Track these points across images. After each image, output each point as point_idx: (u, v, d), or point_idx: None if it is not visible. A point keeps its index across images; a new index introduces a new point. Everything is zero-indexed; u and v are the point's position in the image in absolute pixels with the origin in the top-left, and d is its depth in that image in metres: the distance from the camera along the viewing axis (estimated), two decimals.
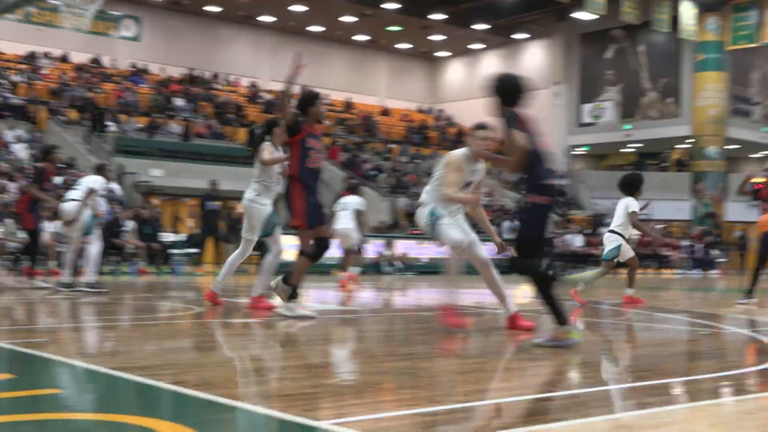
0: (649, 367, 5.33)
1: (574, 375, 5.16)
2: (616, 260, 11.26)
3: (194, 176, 25.35)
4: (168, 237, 21.10)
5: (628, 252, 11.22)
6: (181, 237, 21.73)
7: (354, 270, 14.60)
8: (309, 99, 7.94)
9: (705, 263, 31.22)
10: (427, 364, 5.30)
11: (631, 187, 11.19)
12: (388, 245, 22.95)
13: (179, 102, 32.18)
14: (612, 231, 11.23)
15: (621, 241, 11.11)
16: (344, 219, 13.95)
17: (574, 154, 41.96)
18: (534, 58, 42.69)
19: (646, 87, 39.23)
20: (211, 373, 4.76)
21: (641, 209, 11.34)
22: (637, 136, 39.39)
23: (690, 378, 4.89)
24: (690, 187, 37.49)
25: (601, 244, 11.66)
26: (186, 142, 28.89)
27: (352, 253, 14.51)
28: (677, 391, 4.50)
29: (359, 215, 14.05)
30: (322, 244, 7.83)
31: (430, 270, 22.79)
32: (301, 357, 5.57)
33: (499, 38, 42.04)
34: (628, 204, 11.07)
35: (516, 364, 5.63)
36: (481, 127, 7.18)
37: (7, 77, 29.37)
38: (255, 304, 8.61)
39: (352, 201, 14.20)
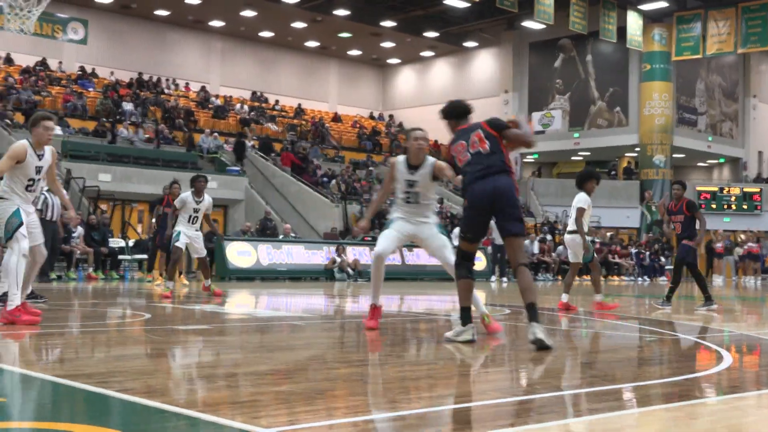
0: (598, 374, 5.37)
1: (524, 381, 5.18)
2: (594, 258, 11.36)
3: (143, 181, 25.09)
4: (117, 243, 20.83)
5: (581, 252, 11.24)
6: (130, 243, 21.47)
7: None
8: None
9: (653, 270, 31.70)
10: (379, 370, 5.29)
11: (581, 182, 11.12)
12: (340, 251, 22.90)
13: (128, 106, 31.80)
14: (574, 231, 11.14)
15: (589, 238, 11.19)
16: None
17: (524, 162, 42.35)
18: (484, 66, 43.04)
19: (594, 96, 39.77)
20: (159, 380, 4.69)
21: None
22: (586, 144, 39.90)
23: (639, 384, 4.93)
24: (638, 195, 38.07)
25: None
26: (134, 146, 28.56)
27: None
28: (627, 396, 4.54)
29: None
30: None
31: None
32: (251, 363, 5.52)
33: (450, 46, 42.34)
34: (578, 199, 11.03)
35: (467, 371, 5.64)
36: (415, 129, 7.77)
37: None
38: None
39: None
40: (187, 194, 12.30)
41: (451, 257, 7.34)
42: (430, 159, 7.54)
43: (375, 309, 7.73)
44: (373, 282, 7.73)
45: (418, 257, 24.71)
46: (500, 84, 41.97)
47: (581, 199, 10.99)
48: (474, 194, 6.63)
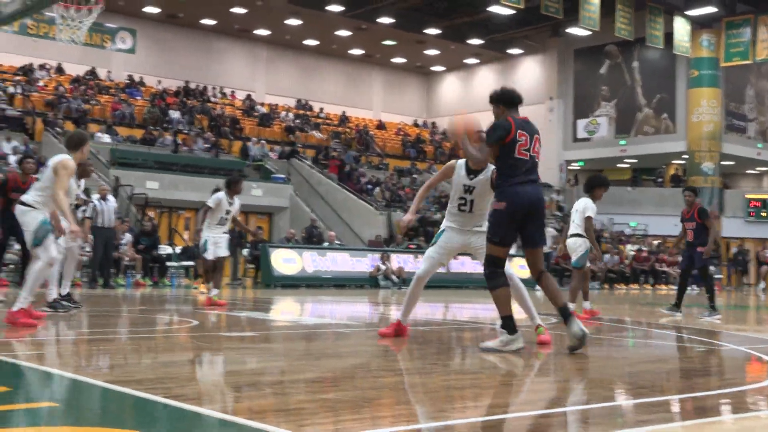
0: (647, 384, 5.31)
1: (572, 391, 5.14)
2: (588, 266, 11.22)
3: (190, 189, 25.34)
4: (164, 249, 21.05)
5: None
6: (177, 250, 21.68)
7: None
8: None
9: (701, 279, 31.16)
10: (425, 379, 5.26)
11: (591, 187, 10.97)
12: (384, 259, 22.91)
13: (175, 114, 32.17)
14: (577, 234, 10.99)
15: (588, 245, 10.94)
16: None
17: (570, 169, 42.03)
18: (528, 74, 42.82)
19: (640, 103, 39.36)
20: (207, 387, 4.74)
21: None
22: (633, 151, 39.48)
23: (688, 395, 4.87)
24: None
25: (598, 259, 11.54)
26: (181, 154, 28.88)
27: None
28: (676, 408, 4.48)
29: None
30: None
31: (426, 285, 22.72)
32: (297, 371, 5.53)
33: (494, 53, 42.21)
34: (585, 206, 10.86)
35: (513, 380, 5.60)
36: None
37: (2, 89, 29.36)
38: None
39: None
40: (222, 195, 12.12)
41: (510, 269, 7.07)
42: (492, 166, 7.17)
43: (400, 326, 7.67)
44: (407, 300, 7.66)
45: (463, 265, 24.59)
46: (545, 91, 41.73)
47: (589, 206, 10.84)
48: (520, 197, 6.49)
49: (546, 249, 25.09)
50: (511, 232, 6.58)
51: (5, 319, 7.78)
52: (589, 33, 34.68)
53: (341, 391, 4.62)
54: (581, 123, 40.89)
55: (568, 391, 5.16)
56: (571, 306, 10.80)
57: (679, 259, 25.74)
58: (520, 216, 6.53)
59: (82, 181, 10.48)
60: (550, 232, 26.54)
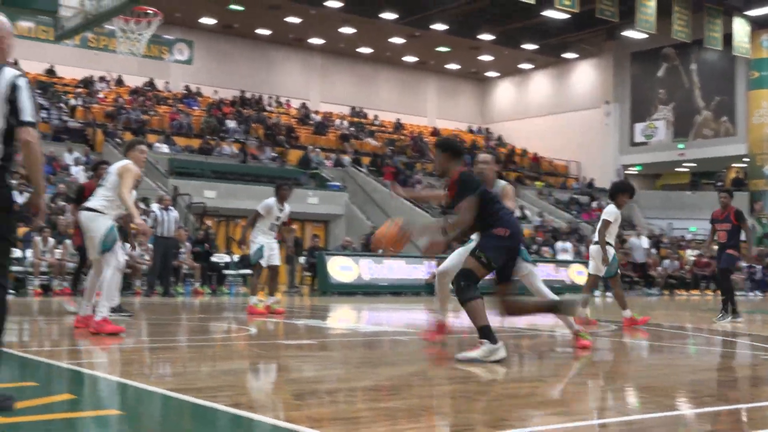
0: (710, 393, 5.21)
1: (632, 400, 5.07)
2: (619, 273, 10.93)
3: (247, 197, 25.57)
4: (222, 258, 21.26)
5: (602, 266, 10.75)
6: (235, 258, 21.89)
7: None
8: None
9: (765, 285, 30.56)
10: (483, 387, 5.22)
11: (614, 193, 10.69)
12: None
13: (231, 124, 32.53)
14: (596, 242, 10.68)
15: (613, 252, 10.65)
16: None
17: (627, 174, 41.50)
18: (584, 78, 42.42)
19: (699, 105, 38.74)
20: (266, 395, 4.78)
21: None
22: (692, 155, 38.85)
23: (753, 405, 4.76)
24: (747, 207, 36.83)
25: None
26: (238, 163, 29.18)
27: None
28: (742, 418, 4.39)
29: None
30: None
31: (484, 291, 22.61)
32: (355, 379, 5.54)
33: (549, 58, 41.90)
34: (605, 211, 10.62)
35: (572, 388, 5.54)
36: (482, 153, 8.09)
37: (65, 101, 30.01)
38: None
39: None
40: (272, 201, 11.99)
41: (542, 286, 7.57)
42: (501, 182, 7.55)
43: (441, 325, 7.80)
44: (440, 298, 7.78)
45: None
46: (601, 95, 41.30)
47: (609, 211, 10.55)
48: (518, 230, 6.70)
49: None
50: (504, 259, 6.62)
51: (90, 329, 7.89)
52: (646, 36, 34.24)
53: (399, 400, 4.60)
54: (638, 127, 40.36)
55: (629, 399, 5.08)
56: (627, 313, 10.71)
57: (743, 265, 24.82)
58: (516, 246, 6.67)
59: (133, 192, 10.57)
60: None
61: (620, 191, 10.58)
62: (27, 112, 4.14)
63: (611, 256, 10.55)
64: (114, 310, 10.47)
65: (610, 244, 10.62)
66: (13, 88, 4.14)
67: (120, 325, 8.30)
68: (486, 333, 6.47)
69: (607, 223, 10.47)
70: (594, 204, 36.03)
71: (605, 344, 8.58)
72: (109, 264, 8.00)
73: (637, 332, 9.81)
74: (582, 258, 27.75)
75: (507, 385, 5.36)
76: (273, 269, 12.25)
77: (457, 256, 7.56)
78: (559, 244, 28.03)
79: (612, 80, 41.13)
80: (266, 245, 11.92)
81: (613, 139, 40.51)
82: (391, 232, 6.73)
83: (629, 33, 35.84)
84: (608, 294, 24.36)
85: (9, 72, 4.19)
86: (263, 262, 11.97)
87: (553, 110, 42.98)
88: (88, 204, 8.23)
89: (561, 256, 26.88)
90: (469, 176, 6.74)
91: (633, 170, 41.62)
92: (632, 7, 29.86)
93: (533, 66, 43.83)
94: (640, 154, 40.21)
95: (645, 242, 27.00)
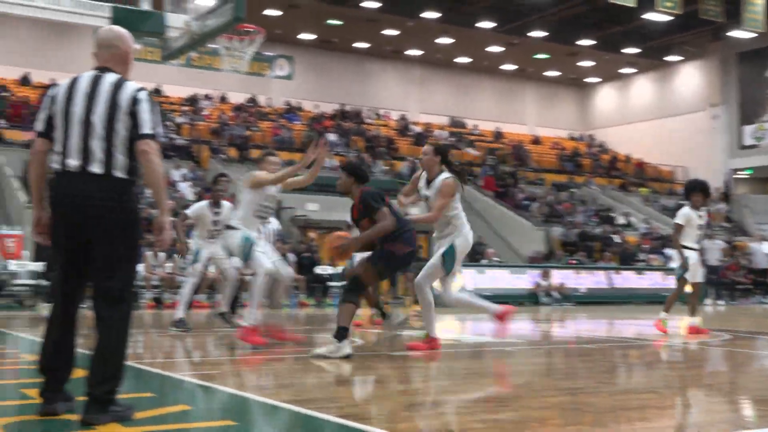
0: None
1: (748, 413, 4.91)
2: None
3: (348, 210, 25.81)
4: (326, 270, 21.50)
5: (696, 271, 10.32)
6: (339, 270, 22.09)
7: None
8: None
9: None
10: (593, 398, 5.13)
11: (686, 194, 10.35)
12: (545, 275, 22.59)
13: (332, 137, 32.92)
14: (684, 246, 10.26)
15: (690, 255, 10.18)
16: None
17: (737, 178, 40.24)
18: (688, 81, 41.34)
19: None
20: (376, 406, 4.80)
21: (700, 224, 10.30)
22: None
23: None
24: None
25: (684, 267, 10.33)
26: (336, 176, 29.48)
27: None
28: None
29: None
30: None
31: (588, 300, 22.31)
32: (462, 391, 5.52)
33: (651, 61, 41.01)
34: (678, 214, 10.25)
35: (683, 400, 5.41)
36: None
37: (171, 119, 30.91)
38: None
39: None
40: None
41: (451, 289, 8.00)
42: (443, 175, 7.76)
43: (433, 341, 7.94)
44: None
45: (627, 280, 23.99)
46: (707, 98, 40.17)
47: (680, 214, 10.20)
48: (413, 242, 7.47)
49: (715, 262, 24.12)
50: (393, 272, 8.13)
51: (239, 336, 8.11)
52: (754, 35, 33.19)
53: (509, 411, 4.57)
54: (748, 129, 39.08)
55: (745, 412, 4.93)
56: (663, 315, 10.31)
57: None
58: (410, 261, 7.71)
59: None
60: (718, 244, 25.47)
61: (693, 191, 10.26)
62: (146, 125, 4.21)
63: (693, 260, 10.19)
64: (222, 315, 10.81)
65: (688, 248, 10.25)
66: (134, 101, 4.21)
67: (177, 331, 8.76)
68: (341, 334, 7.02)
69: (678, 227, 10.17)
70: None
71: (717, 354, 8.34)
72: (256, 272, 8.18)
73: (750, 342, 9.48)
74: None
75: (616, 397, 5.25)
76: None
77: (429, 267, 8.03)
78: (668, 252, 27.37)
79: (718, 82, 39.96)
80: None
81: (721, 142, 39.35)
82: (333, 244, 7.41)
83: (735, 33, 34.80)
84: (719, 302, 23.66)
85: (131, 86, 4.27)
86: None
87: (657, 114, 41.98)
88: (230, 223, 8.55)
89: (670, 264, 26.23)
90: (370, 193, 7.33)
91: (743, 174, 40.32)
92: (738, 6, 29.01)
93: (635, 70, 42.95)
94: (751, 157, 38.90)
95: (766, 247, 26.09)
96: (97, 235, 4.14)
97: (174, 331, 10.05)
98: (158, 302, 17.69)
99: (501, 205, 29.87)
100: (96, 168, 4.15)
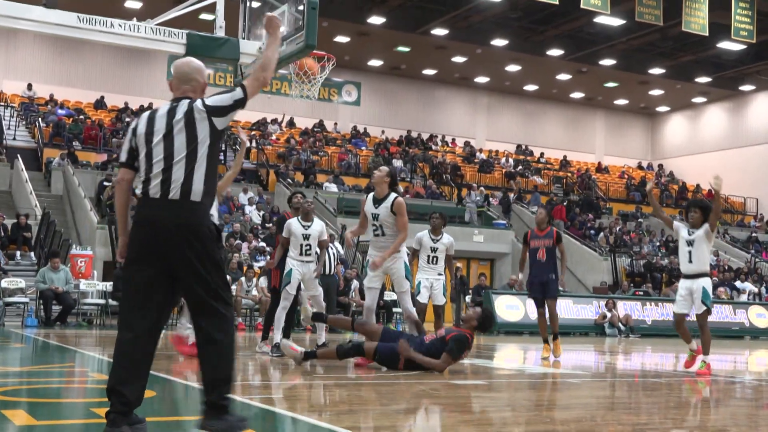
0: None
1: None
2: None
3: (412, 236, 25.79)
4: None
5: None
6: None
7: None
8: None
9: None
10: None
11: None
12: (610, 306, 22.25)
13: (398, 163, 33.01)
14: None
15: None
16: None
17: None
18: (762, 110, 40.53)
19: None
20: None
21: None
22: None
23: None
24: None
25: None
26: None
27: None
28: None
29: None
30: None
31: (654, 333, 21.88)
32: (524, 423, 5.47)
33: (724, 91, 40.31)
34: None
35: None
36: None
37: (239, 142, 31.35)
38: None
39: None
40: (423, 234, 11.29)
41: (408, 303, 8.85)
42: (392, 195, 8.58)
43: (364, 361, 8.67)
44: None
45: (694, 313, 23.43)
46: None
47: None
48: None
49: None
50: None
51: (171, 340, 8.71)
52: None
53: None
54: None
55: None
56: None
57: None
58: None
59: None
60: None
61: None
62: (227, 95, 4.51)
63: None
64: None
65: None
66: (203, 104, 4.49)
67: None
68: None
69: None
70: None
71: None
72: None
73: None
74: (762, 300, 26.38)
75: None
76: (437, 309, 11.34)
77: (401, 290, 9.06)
78: (738, 285, 26.81)
79: None
80: (424, 281, 11.08)
81: None
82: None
83: None
84: None
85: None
86: (421, 299, 10.96)
87: (729, 145, 41.14)
88: None
89: (739, 298, 25.72)
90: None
91: None
92: None
93: (706, 99, 42.26)
94: None
95: None
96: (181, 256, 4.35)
97: (272, 356, 9.79)
98: None
99: (566, 233, 29.57)
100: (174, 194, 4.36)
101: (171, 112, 4.44)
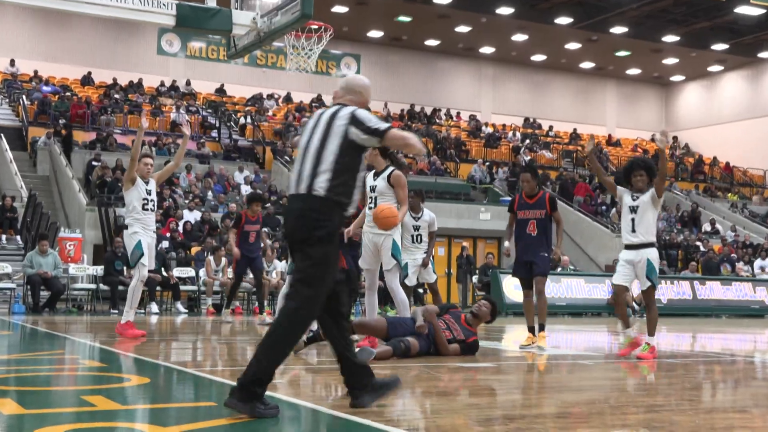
0: None
1: None
2: None
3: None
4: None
5: None
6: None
7: None
8: None
9: None
10: (674, 417, 4.69)
11: None
12: None
13: None
14: None
15: None
16: None
17: None
18: None
19: None
20: (448, 420, 4.49)
21: None
22: None
23: None
24: None
25: None
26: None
27: None
28: None
29: None
30: None
31: (670, 312, 20.66)
32: (539, 405, 5.29)
33: (741, 58, 39.04)
34: None
35: None
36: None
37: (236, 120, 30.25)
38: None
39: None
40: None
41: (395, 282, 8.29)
42: (390, 168, 8.23)
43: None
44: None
45: (712, 291, 22.21)
46: None
47: None
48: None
49: None
50: None
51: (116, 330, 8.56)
52: None
53: (586, 428, 4.30)
54: None
55: None
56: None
57: None
58: None
59: None
60: None
61: None
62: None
63: None
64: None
65: None
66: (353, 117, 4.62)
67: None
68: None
69: None
70: None
71: None
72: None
73: None
74: None
75: (701, 415, 4.81)
76: (431, 286, 11.24)
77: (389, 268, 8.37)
78: (758, 262, 25.52)
79: None
80: (410, 262, 10.44)
81: None
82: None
83: None
84: None
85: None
86: (408, 281, 10.51)
87: (748, 115, 39.76)
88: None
89: (759, 275, 24.50)
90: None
91: None
92: None
93: (723, 68, 40.89)
94: None
95: None
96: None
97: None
98: (218, 308, 16.62)
99: (577, 210, 28.28)
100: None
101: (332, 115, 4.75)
